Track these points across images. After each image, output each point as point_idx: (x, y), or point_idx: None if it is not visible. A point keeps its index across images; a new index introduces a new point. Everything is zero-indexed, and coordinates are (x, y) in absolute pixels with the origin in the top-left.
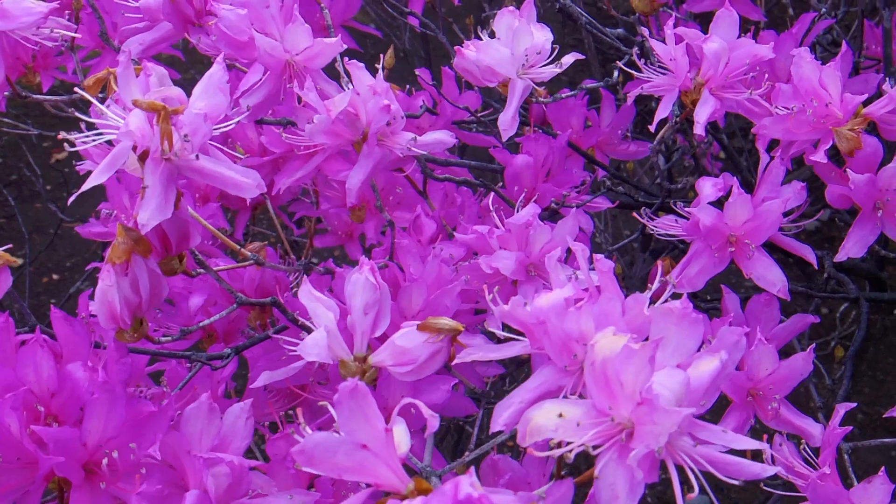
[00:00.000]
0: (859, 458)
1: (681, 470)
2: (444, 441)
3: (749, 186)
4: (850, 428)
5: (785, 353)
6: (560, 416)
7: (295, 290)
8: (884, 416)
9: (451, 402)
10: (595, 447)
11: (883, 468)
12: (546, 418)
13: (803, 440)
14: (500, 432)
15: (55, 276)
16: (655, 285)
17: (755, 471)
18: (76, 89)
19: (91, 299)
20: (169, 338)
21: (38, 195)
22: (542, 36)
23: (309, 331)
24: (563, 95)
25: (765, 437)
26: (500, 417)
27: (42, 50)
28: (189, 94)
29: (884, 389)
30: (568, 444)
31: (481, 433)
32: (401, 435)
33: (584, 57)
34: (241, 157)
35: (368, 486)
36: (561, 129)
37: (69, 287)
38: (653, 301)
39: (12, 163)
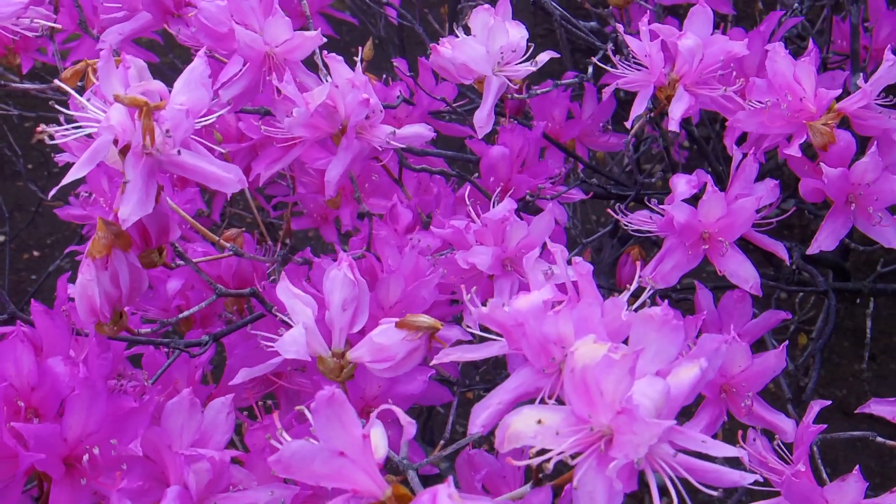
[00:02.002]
0: (822, 440)
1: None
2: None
3: (716, 174)
4: (825, 426)
5: (754, 345)
6: (539, 422)
7: (272, 277)
8: (836, 391)
9: (428, 391)
10: (574, 455)
11: (857, 466)
12: (525, 425)
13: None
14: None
15: (36, 253)
16: (634, 286)
17: (734, 478)
18: (56, 81)
19: (70, 282)
20: (149, 329)
21: (20, 174)
22: (518, 34)
23: (287, 325)
24: (539, 91)
25: (739, 433)
26: (479, 419)
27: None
28: (167, 78)
29: (839, 373)
30: (547, 451)
31: (455, 421)
32: (378, 439)
33: (559, 55)
34: (219, 143)
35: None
36: (543, 119)
37: (49, 263)
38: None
39: None
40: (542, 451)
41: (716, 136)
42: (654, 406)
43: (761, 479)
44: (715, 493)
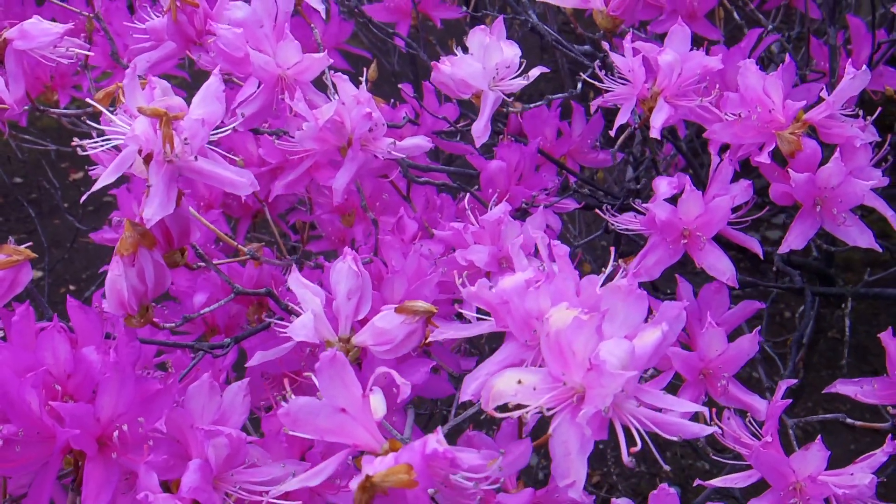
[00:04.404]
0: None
1: (627, 431)
2: (427, 427)
3: (703, 185)
4: (791, 401)
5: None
6: (519, 382)
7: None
8: (840, 405)
9: (431, 383)
10: (550, 409)
11: (819, 437)
12: (506, 385)
13: (749, 415)
14: (470, 404)
15: (72, 287)
16: (609, 268)
17: (694, 430)
18: (88, 100)
19: (104, 298)
20: (174, 324)
21: (56, 212)
22: (511, 51)
23: (299, 316)
24: (532, 105)
25: (714, 411)
26: (469, 388)
27: (59, 70)
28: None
29: None
30: (525, 406)
31: (457, 415)
32: (377, 401)
33: (549, 70)
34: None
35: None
36: (535, 138)
37: (84, 296)
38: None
39: (33, 181)
40: (522, 407)
41: (702, 149)
42: (619, 362)
43: (719, 432)
44: (675, 440)
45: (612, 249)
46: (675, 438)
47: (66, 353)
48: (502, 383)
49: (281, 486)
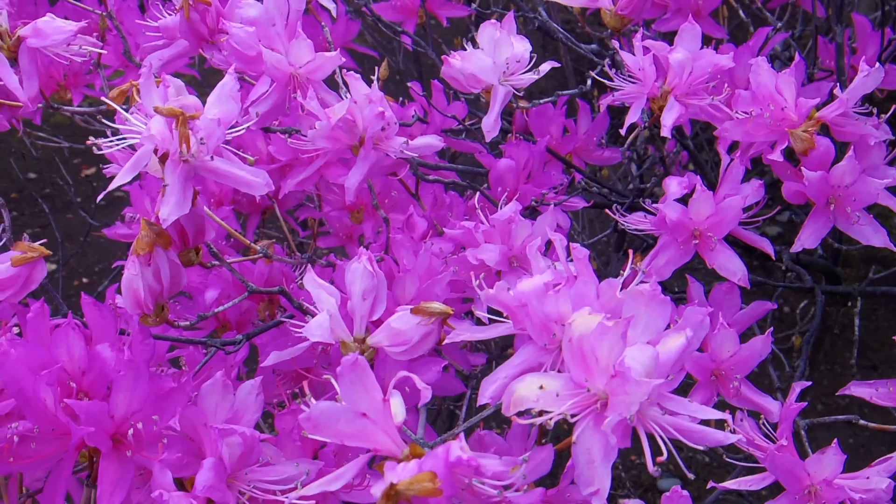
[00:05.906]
0: (818, 445)
1: (651, 439)
2: (435, 423)
3: (710, 184)
4: (805, 403)
5: (746, 339)
6: (541, 387)
7: (300, 282)
8: (839, 399)
9: (442, 382)
10: (573, 416)
11: (835, 440)
12: (528, 390)
13: (762, 416)
14: (486, 406)
15: (84, 280)
16: (627, 272)
17: (718, 438)
18: (103, 98)
19: (118, 293)
20: (188, 323)
21: (69, 206)
22: (522, 46)
23: (313, 316)
24: (541, 101)
25: (727, 412)
26: (487, 391)
27: (72, 69)
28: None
29: (841, 382)
30: (548, 413)
31: (469, 415)
32: (397, 406)
33: (560, 65)
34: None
35: (368, 451)
36: (541, 136)
37: (97, 289)
38: (624, 287)
39: (47, 177)
40: (544, 414)
41: (716, 161)
42: (644, 369)
43: (744, 440)
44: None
45: (631, 253)
46: (700, 447)
47: (80, 350)
48: (524, 388)
49: (300, 490)
